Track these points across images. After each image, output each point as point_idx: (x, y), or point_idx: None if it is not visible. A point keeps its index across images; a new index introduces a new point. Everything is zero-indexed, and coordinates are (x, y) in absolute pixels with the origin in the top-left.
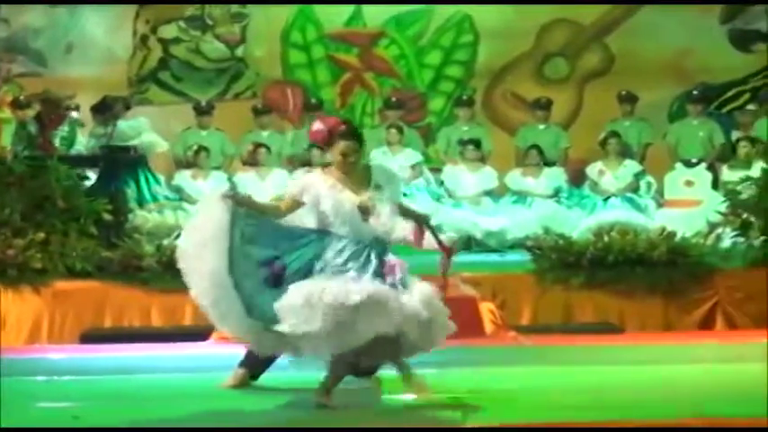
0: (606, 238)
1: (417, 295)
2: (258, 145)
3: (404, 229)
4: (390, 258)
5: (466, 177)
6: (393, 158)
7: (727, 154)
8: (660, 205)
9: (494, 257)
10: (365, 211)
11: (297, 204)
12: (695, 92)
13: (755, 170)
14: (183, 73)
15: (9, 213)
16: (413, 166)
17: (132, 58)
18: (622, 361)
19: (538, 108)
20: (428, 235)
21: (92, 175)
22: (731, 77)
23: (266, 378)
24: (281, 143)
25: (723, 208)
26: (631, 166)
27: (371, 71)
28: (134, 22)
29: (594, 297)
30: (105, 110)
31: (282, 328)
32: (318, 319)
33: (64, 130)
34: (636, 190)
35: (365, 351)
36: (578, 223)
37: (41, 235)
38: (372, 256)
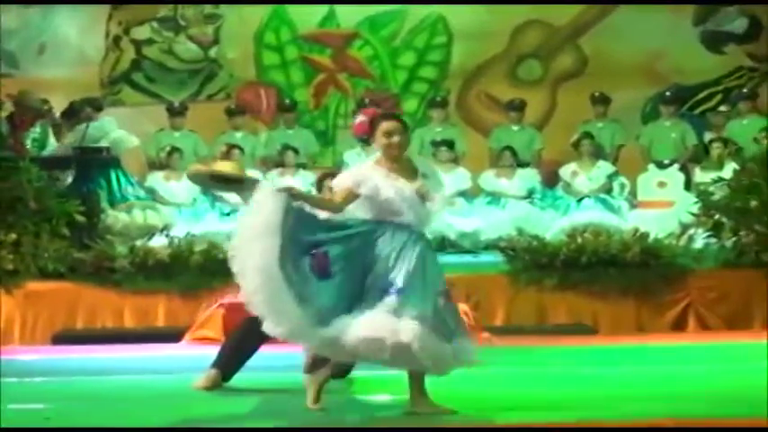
0: (579, 240)
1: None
2: (231, 146)
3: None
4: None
5: None
6: (366, 159)
7: (700, 155)
8: (633, 206)
9: (467, 258)
10: (423, 197)
11: (353, 197)
12: (668, 93)
13: (727, 171)
14: (156, 74)
15: None
16: None
17: (105, 60)
18: (596, 362)
19: (511, 109)
20: None
21: (65, 177)
22: (704, 79)
23: (238, 379)
24: (254, 144)
25: (695, 209)
26: (604, 167)
27: (345, 72)
28: (107, 24)
29: (568, 298)
30: (73, 115)
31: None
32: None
33: (35, 131)
34: (609, 191)
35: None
36: (552, 224)
37: (13, 236)
38: (418, 248)
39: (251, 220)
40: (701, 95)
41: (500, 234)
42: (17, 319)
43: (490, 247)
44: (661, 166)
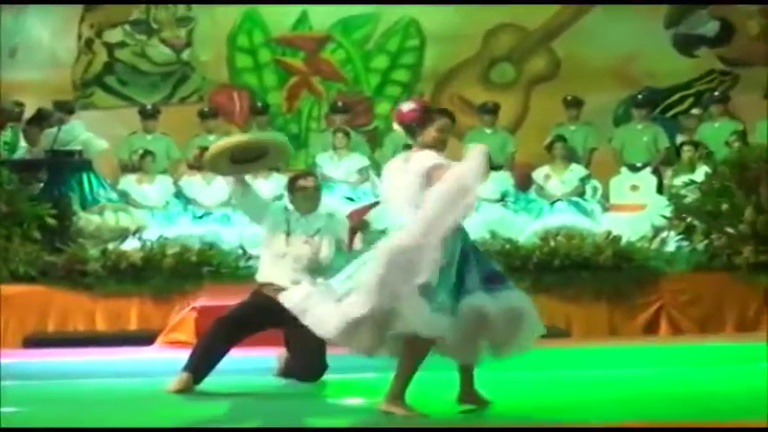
0: (552, 243)
1: None
2: (204, 149)
3: None
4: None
5: None
6: (339, 163)
7: (672, 158)
8: (606, 209)
9: None
10: None
11: None
12: (640, 96)
13: (699, 174)
14: (129, 77)
15: None
16: (359, 171)
17: (77, 62)
18: (569, 364)
19: (484, 112)
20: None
21: (35, 181)
22: (676, 82)
23: (209, 382)
24: None
25: (668, 212)
26: (577, 170)
27: (318, 75)
28: (79, 26)
29: (541, 301)
30: (41, 120)
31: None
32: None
33: (6, 135)
34: (582, 194)
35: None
36: (525, 227)
37: None
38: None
39: None
40: (673, 99)
41: (473, 237)
42: None
43: None
44: (633, 169)
